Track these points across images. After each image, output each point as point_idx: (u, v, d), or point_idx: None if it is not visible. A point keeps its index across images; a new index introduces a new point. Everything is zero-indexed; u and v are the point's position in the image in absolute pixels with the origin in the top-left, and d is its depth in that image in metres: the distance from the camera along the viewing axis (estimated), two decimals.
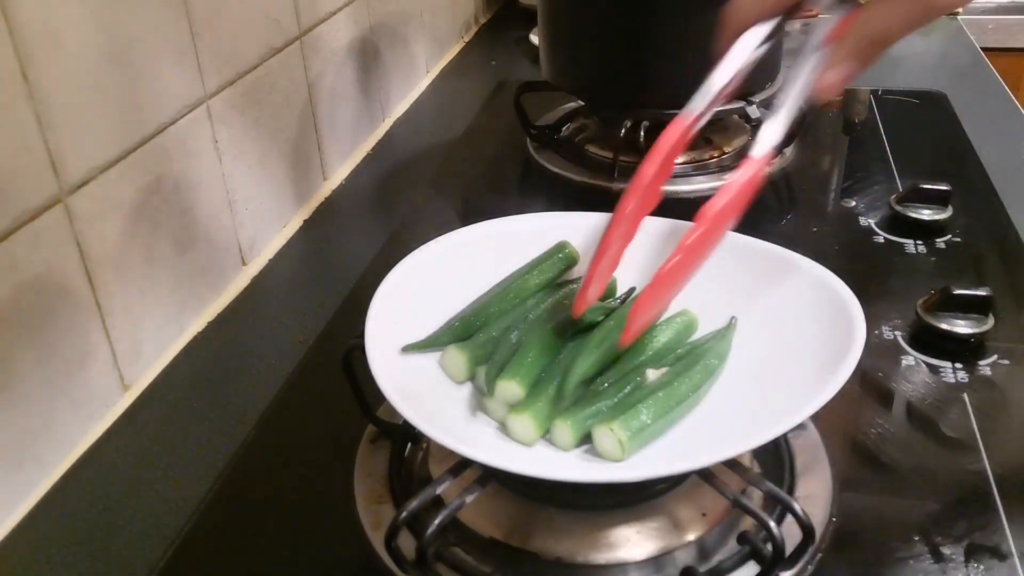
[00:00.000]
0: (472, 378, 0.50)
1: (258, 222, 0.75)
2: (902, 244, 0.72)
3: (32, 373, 0.51)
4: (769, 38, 0.47)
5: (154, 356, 0.63)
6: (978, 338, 0.59)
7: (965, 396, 0.56)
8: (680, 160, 0.86)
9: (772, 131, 0.46)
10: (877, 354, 0.60)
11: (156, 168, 0.61)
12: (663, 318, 0.53)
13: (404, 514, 0.41)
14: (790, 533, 0.42)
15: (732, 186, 0.45)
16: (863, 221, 0.76)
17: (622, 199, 0.48)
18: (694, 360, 0.48)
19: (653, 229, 0.57)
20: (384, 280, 0.51)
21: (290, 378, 0.61)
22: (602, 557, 0.45)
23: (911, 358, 0.59)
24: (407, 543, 0.44)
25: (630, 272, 0.55)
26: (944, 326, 0.60)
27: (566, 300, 0.52)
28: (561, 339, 0.49)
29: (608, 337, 0.49)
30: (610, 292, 0.55)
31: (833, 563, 0.45)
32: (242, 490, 0.52)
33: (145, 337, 0.61)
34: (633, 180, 0.48)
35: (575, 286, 0.53)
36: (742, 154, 0.87)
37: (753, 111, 0.83)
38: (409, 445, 0.53)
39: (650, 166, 0.48)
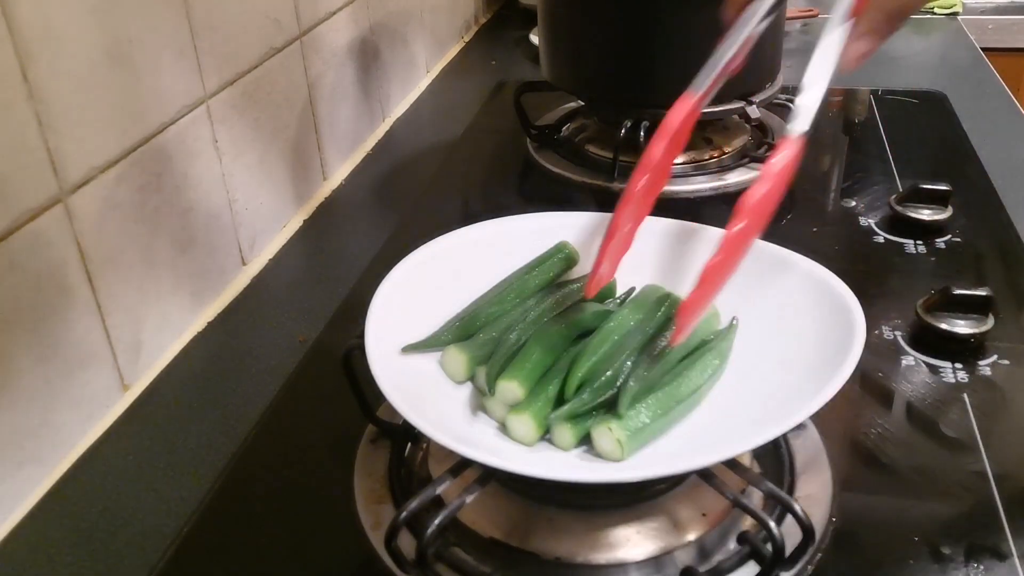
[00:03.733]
0: (472, 378, 0.50)
1: (258, 222, 0.75)
2: (902, 244, 0.72)
3: (32, 373, 0.51)
4: (773, 9, 0.48)
5: (154, 356, 0.63)
6: (978, 338, 0.59)
7: (965, 396, 0.56)
8: (680, 160, 0.86)
9: (809, 106, 0.45)
10: (877, 354, 0.60)
11: (156, 168, 0.61)
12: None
13: (404, 514, 0.41)
14: (790, 533, 0.42)
15: (772, 171, 0.44)
16: (863, 221, 0.76)
17: (632, 177, 0.48)
18: (694, 360, 0.48)
19: (654, 229, 0.57)
20: (384, 280, 0.51)
21: (290, 378, 0.61)
22: (602, 557, 0.45)
23: (911, 358, 0.59)
24: (407, 543, 0.44)
25: (630, 272, 0.55)
26: (944, 326, 0.60)
27: (567, 300, 0.52)
28: (562, 340, 0.49)
29: (609, 338, 0.49)
30: (610, 293, 0.55)
31: (833, 563, 0.45)
32: (242, 490, 0.52)
33: (145, 337, 0.61)
34: (642, 158, 0.48)
35: (575, 286, 0.53)
36: (743, 154, 0.87)
37: (753, 111, 0.83)
38: (409, 445, 0.53)
39: (658, 144, 0.47)
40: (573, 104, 0.97)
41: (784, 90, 0.87)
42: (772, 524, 0.41)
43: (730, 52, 0.47)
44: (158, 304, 0.63)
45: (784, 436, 0.52)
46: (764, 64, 0.84)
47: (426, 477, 0.50)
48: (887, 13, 0.44)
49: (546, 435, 0.46)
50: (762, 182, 0.44)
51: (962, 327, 0.59)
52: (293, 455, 0.55)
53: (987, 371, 0.58)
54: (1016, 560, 0.45)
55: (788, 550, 0.42)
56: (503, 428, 0.47)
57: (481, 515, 0.47)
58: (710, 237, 0.56)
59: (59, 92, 0.52)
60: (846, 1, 0.45)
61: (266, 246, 0.77)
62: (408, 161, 0.94)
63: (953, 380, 0.57)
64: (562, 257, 0.55)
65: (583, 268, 0.56)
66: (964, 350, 0.59)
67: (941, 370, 0.58)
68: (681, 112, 0.47)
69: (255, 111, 0.74)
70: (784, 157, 0.44)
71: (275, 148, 0.78)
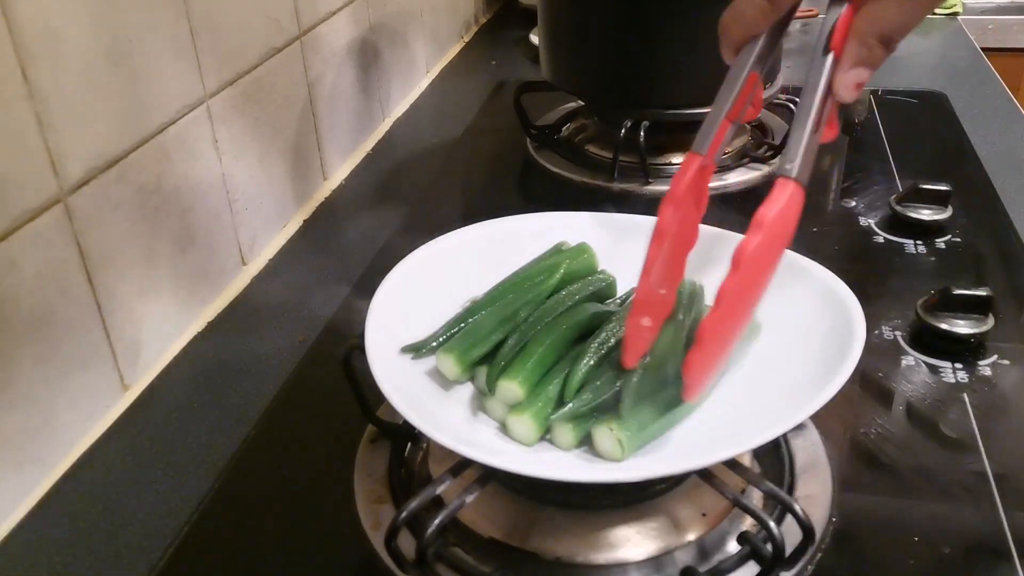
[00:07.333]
0: (470, 378, 0.50)
1: (258, 222, 0.75)
2: (902, 244, 0.72)
3: (32, 373, 0.51)
4: (766, 51, 0.44)
5: (154, 356, 0.63)
6: (978, 338, 0.59)
7: (965, 396, 0.56)
8: (679, 160, 0.85)
9: (799, 146, 0.41)
10: (877, 354, 0.60)
11: (156, 168, 0.61)
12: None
13: (404, 514, 0.41)
14: (790, 533, 0.42)
15: (764, 220, 0.40)
16: (863, 221, 0.76)
17: (651, 244, 0.45)
18: None
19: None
20: (384, 280, 0.51)
21: (290, 378, 0.61)
22: (602, 557, 0.45)
23: (911, 358, 0.59)
24: (407, 543, 0.44)
25: (631, 273, 0.55)
26: (944, 326, 0.60)
27: (567, 300, 0.52)
28: (563, 340, 0.49)
29: (609, 338, 0.49)
30: (610, 293, 0.55)
31: (833, 563, 0.45)
32: (242, 490, 0.52)
33: (145, 337, 0.61)
34: (657, 225, 0.45)
35: (576, 286, 0.53)
36: (743, 154, 0.87)
37: None
38: (409, 445, 0.53)
39: (666, 210, 0.44)
40: (573, 104, 0.97)
41: (784, 90, 0.87)
42: (772, 524, 0.41)
43: (729, 100, 0.43)
44: (158, 304, 0.63)
45: (784, 436, 0.52)
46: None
47: (426, 477, 0.50)
48: (878, 36, 0.40)
49: (546, 435, 0.46)
50: (754, 232, 0.40)
51: (962, 327, 0.59)
52: (293, 455, 0.55)
53: (987, 371, 0.58)
54: (1016, 560, 0.45)
55: (788, 550, 0.42)
56: (503, 428, 0.47)
57: (481, 515, 0.47)
58: (710, 238, 0.56)
59: (59, 92, 0.52)
60: (827, 28, 0.41)
61: (266, 246, 0.77)
62: (408, 161, 0.94)
63: (953, 380, 0.57)
64: (562, 257, 0.55)
65: (583, 268, 0.56)
66: (964, 350, 0.59)
67: (941, 370, 0.58)
68: (685, 176, 0.44)
69: (255, 111, 0.74)
70: (778, 204, 0.40)
71: (275, 148, 0.78)
